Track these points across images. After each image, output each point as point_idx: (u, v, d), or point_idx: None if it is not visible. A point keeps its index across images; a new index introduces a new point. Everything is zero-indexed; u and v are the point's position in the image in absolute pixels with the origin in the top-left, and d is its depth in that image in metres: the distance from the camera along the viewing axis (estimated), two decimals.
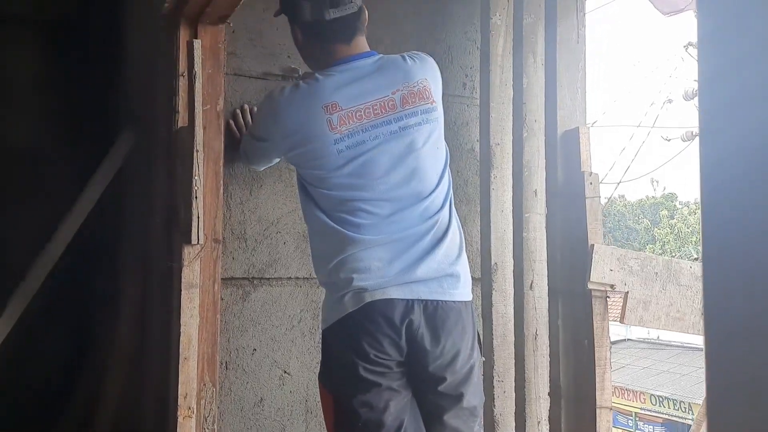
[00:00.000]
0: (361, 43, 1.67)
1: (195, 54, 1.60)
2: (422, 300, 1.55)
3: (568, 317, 2.17)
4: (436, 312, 1.56)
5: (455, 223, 1.67)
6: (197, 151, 1.58)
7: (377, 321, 1.53)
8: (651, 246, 25.06)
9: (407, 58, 1.69)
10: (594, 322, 2.08)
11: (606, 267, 2.08)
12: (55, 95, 2.69)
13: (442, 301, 1.57)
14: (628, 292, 2.12)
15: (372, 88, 1.61)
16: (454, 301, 1.59)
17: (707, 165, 0.43)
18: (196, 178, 1.58)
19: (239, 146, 1.98)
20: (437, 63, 1.87)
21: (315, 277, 2.39)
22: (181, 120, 1.73)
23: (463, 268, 1.65)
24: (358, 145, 1.58)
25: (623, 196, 28.98)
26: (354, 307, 1.55)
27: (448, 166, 1.70)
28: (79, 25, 2.71)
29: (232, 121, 2.06)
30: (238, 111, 2.09)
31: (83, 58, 2.70)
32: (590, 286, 2.07)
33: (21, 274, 2.16)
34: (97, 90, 2.70)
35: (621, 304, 2.20)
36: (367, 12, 1.69)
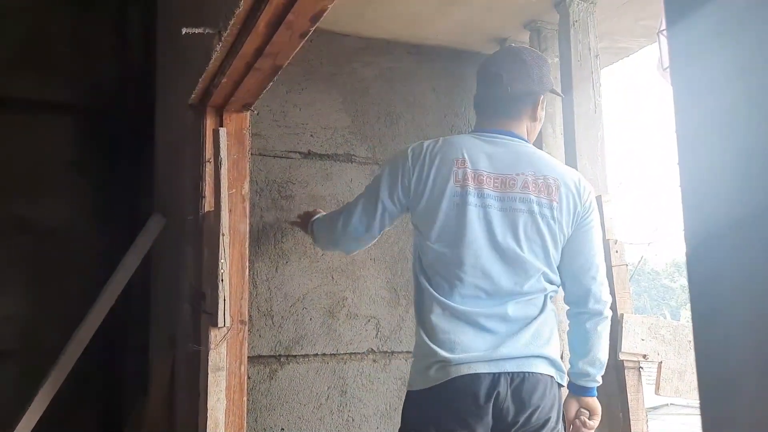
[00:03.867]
0: (512, 124, 1.74)
1: (221, 141, 1.66)
2: (509, 372, 1.56)
3: (601, 389, 2.10)
4: (522, 383, 1.56)
5: (550, 307, 1.68)
6: (223, 234, 1.61)
7: (462, 398, 1.53)
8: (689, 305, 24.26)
9: (556, 163, 1.76)
10: (628, 395, 2.02)
11: (637, 337, 2.03)
12: (88, 178, 2.78)
13: (528, 372, 1.57)
14: (662, 362, 2.05)
15: (500, 163, 1.68)
16: (541, 373, 1.59)
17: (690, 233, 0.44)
18: (222, 261, 1.60)
19: (310, 227, 2.09)
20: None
21: (341, 353, 2.39)
22: (208, 204, 1.77)
23: (553, 352, 1.63)
24: (467, 205, 1.63)
25: (657, 255, 28.38)
26: (439, 380, 1.56)
27: (559, 254, 1.69)
28: (112, 111, 2.83)
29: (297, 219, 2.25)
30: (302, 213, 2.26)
31: (115, 143, 2.82)
32: (622, 356, 2.02)
33: (53, 352, 2.19)
34: (128, 174, 2.80)
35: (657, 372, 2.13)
36: (538, 106, 1.75)
